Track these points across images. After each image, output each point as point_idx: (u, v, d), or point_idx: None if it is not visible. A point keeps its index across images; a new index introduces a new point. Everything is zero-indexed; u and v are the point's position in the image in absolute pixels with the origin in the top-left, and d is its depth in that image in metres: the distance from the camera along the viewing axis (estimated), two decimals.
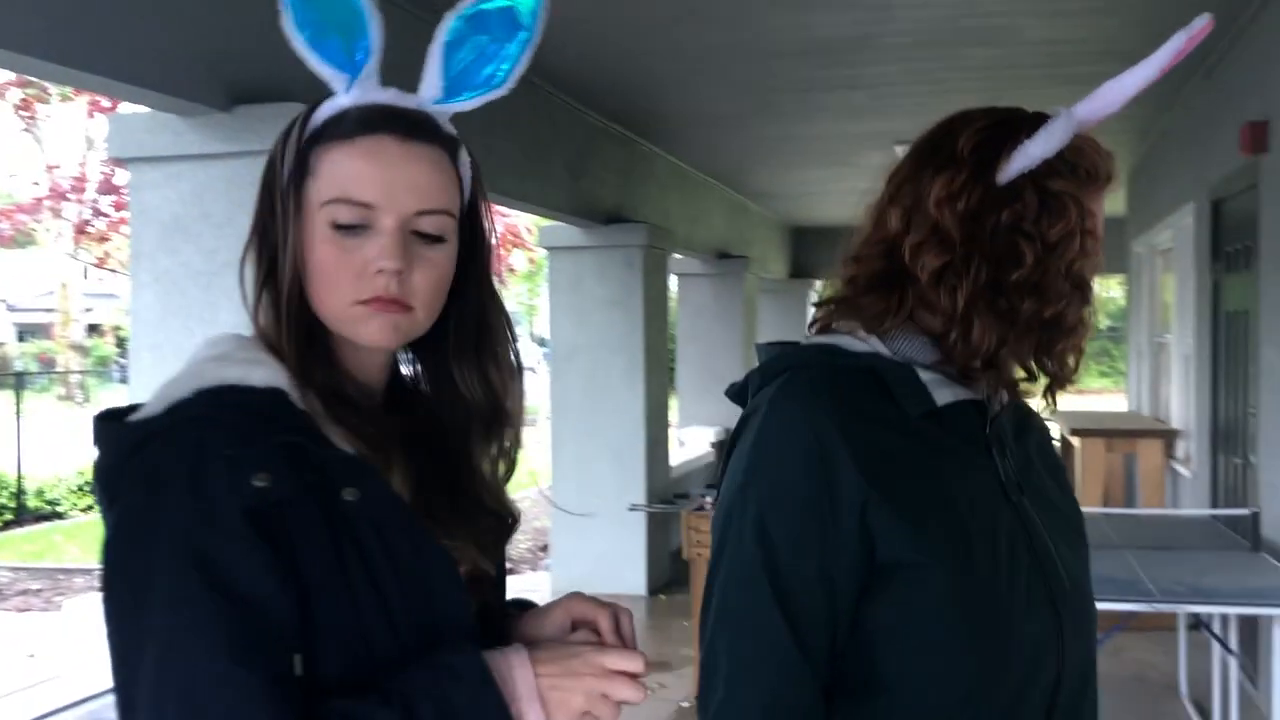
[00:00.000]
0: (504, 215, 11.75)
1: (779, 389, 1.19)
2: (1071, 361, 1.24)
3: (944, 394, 1.20)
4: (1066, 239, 1.17)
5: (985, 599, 1.15)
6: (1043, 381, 1.26)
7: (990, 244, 1.16)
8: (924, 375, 1.20)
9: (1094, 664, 1.27)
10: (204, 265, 3.62)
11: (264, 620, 0.92)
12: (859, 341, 1.23)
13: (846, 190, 10.08)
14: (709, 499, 7.63)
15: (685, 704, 4.99)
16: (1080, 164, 1.20)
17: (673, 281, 10.79)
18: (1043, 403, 1.29)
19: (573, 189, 6.47)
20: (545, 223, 7.25)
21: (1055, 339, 1.20)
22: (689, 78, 5.89)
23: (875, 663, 1.14)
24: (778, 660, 1.13)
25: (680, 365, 10.42)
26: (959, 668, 1.14)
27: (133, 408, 1.03)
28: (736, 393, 1.29)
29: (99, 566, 0.96)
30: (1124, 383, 11.55)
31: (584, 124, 6.56)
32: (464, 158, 1.16)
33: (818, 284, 14.18)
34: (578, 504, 7.15)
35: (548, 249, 7.36)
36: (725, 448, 1.25)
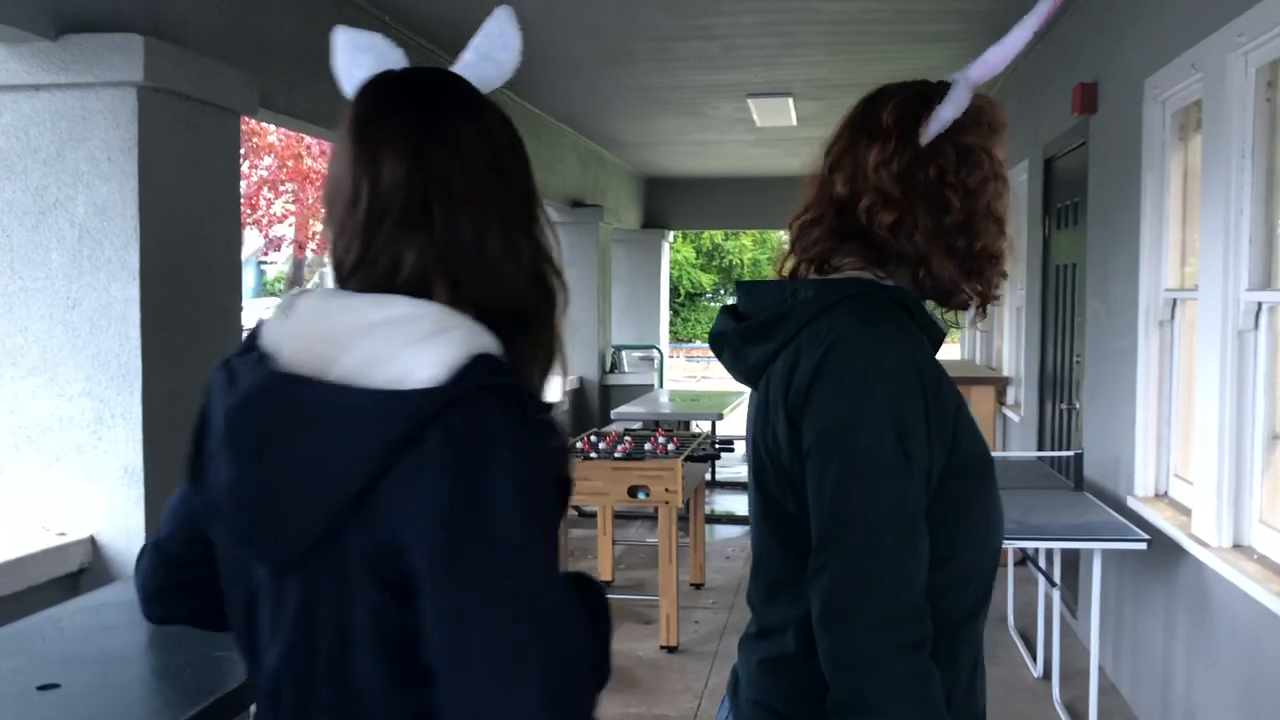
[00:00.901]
0: None
1: (857, 312, 1.34)
2: (999, 284, 1.46)
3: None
4: (983, 184, 1.40)
5: (996, 493, 1.41)
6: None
7: (925, 196, 1.38)
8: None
9: None
10: (31, 204, 3.42)
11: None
12: (883, 277, 1.42)
13: (699, 141, 10.17)
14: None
15: None
16: (983, 119, 1.44)
17: None
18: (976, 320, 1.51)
19: None
20: None
21: (985, 267, 1.42)
22: (544, 21, 5.82)
23: (937, 543, 1.30)
24: (912, 545, 1.26)
25: None
26: (989, 545, 1.39)
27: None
28: (767, 324, 1.42)
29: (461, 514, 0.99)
30: (958, 334, 12.06)
31: (434, 63, 6.41)
32: None
33: (670, 234, 14.30)
34: None
35: None
36: (787, 376, 1.35)
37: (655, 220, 13.59)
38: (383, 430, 0.98)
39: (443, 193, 1.09)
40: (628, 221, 12.60)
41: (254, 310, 29.90)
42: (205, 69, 3.71)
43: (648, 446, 5.35)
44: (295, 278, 27.39)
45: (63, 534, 3.46)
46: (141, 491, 3.44)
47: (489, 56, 1.27)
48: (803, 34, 6.09)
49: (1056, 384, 5.82)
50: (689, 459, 5.10)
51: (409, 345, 1.01)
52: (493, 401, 1.00)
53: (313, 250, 15.88)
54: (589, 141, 10.25)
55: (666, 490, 4.84)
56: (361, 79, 1.18)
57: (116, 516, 3.46)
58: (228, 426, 1.04)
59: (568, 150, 9.64)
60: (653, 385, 10.98)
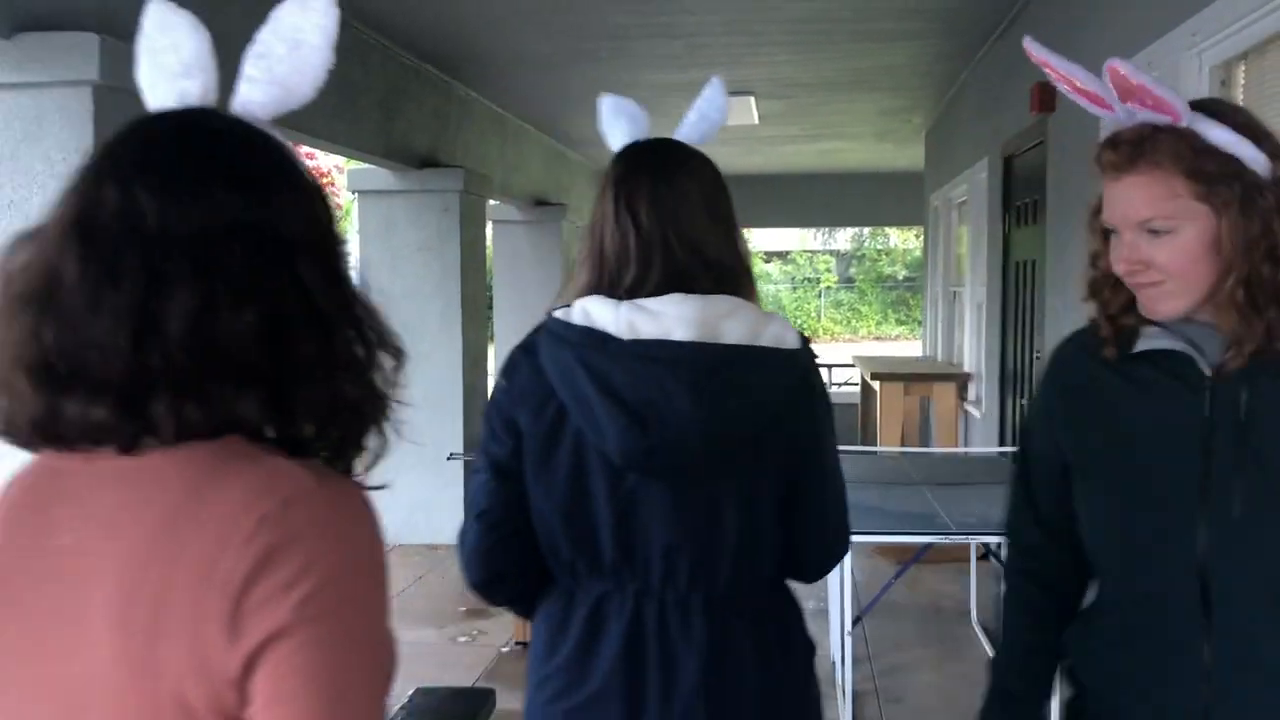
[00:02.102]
0: (310, 157, 11.31)
1: None
2: None
3: (1154, 341, 1.39)
4: None
5: (1123, 513, 1.41)
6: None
7: None
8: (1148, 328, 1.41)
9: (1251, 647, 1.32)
10: None
11: None
12: None
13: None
14: None
15: (505, 649, 5.02)
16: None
17: (489, 229, 10.68)
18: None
19: (386, 131, 6.29)
20: (354, 165, 7.03)
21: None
22: (504, 20, 5.80)
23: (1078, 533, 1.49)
24: (1014, 501, 1.63)
25: (497, 314, 10.35)
26: (1107, 555, 1.45)
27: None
28: None
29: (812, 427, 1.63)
30: (920, 331, 12.17)
31: (397, 64, 6.38)
32: None
33: None
34: (392, 454, 7.03)
35: (357, 192, 7.14)
36: None
37: None
38: (793, 373, 1.56)
39: (709, 223, 1.61)
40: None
41: None
42: None
43: None
44: None
45: None
46: None
47: (706, 117, 1.78)
48: (767, 33, 6.11)
49: (1017, 380, 5.88)
50: None
51: (764, 323, 1.54)
52: (812, 355, 1.62)
53: None
54: (552, 141, 10.23)
55: None
56: (620, 137, 1.74)
57: None
58: (680, 373, 1.48)
59: (532, 149, 9.62)
60: None
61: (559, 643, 1.58)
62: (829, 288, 32.10)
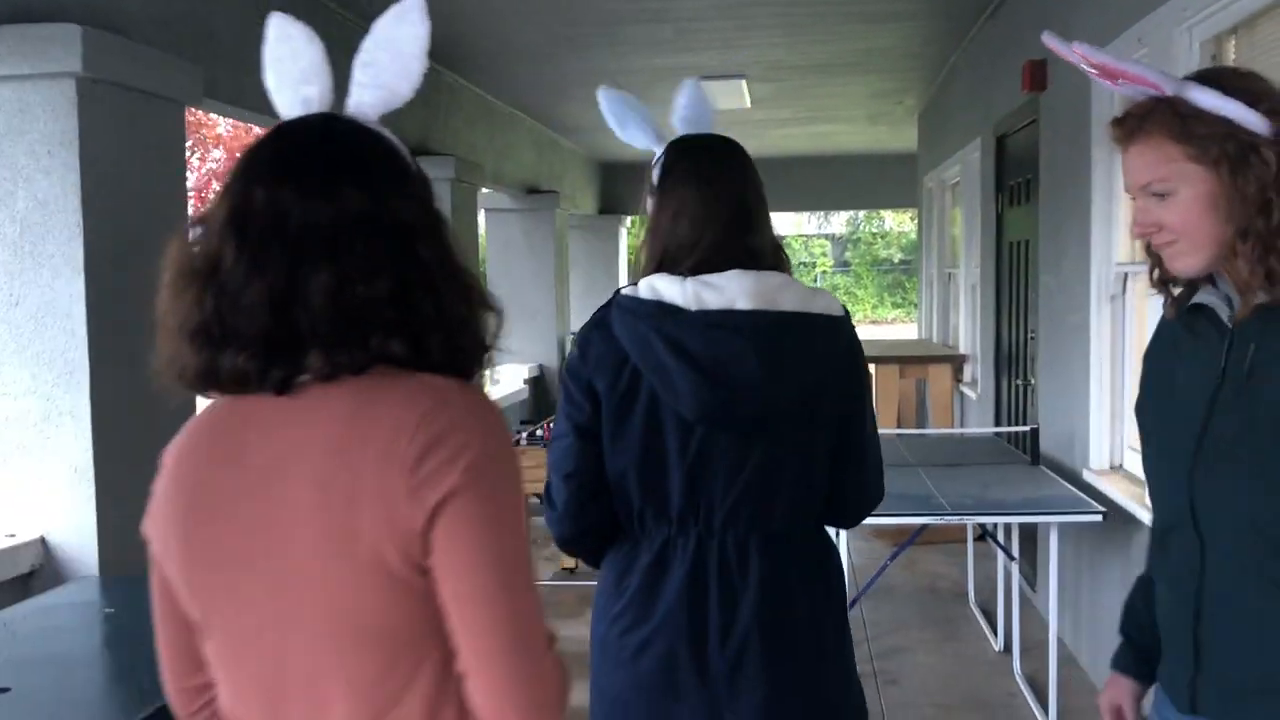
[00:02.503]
0: None
1: None
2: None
3: (1198, 297, 1.49)
4: None
5: (1152, 461, 1.61)
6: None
7: None
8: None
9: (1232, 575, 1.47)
10: None
11: None
12: None
13: None
14: (523, 435, 7.62)
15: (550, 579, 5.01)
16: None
17: (481, 218, 10.65)
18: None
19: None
20: None
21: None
22: (492, 6, 5.76)
23: None
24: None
25: None
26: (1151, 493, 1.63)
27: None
28: None
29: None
30: (915, 313, 12.15)
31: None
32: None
33: (627, 220, 14.27)
34: None
35: None
36: None
37: (612, 206, 13.56)
38: (841, 337, 1.80)
39: (754, 208, 1.85)
40: (584, 207, 12.56)
41: None
42: (146, 58, 3.64)
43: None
44: None
45: (12, 535, 3.39)
46: (92, 490, 3.37)
47: (687, 120, 1.98)
48: (757, 16, 6.08)
49: (1012, 360, 5.87)
50: None
51: (814, 295, 1.79)
52: (853, 324, 1.86)
53: None
54: (543, 128, 10.19)
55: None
56: (635, 131, 2.06)
57: (67, 516, 3.39)
58: (747, 338, 1.71)
59: (522, 137, 9.58)
60: None
61: (626, 583, 1.79)
62: (824, 272, 32.07)
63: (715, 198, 1.80)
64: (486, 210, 10.36)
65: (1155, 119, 1.41)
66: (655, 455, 1.76)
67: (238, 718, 1.16)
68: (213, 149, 9.60)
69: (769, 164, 13.39)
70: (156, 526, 1.19)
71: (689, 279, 1.76)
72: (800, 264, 32.25)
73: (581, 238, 13.60)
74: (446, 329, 1.12)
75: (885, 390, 7.32)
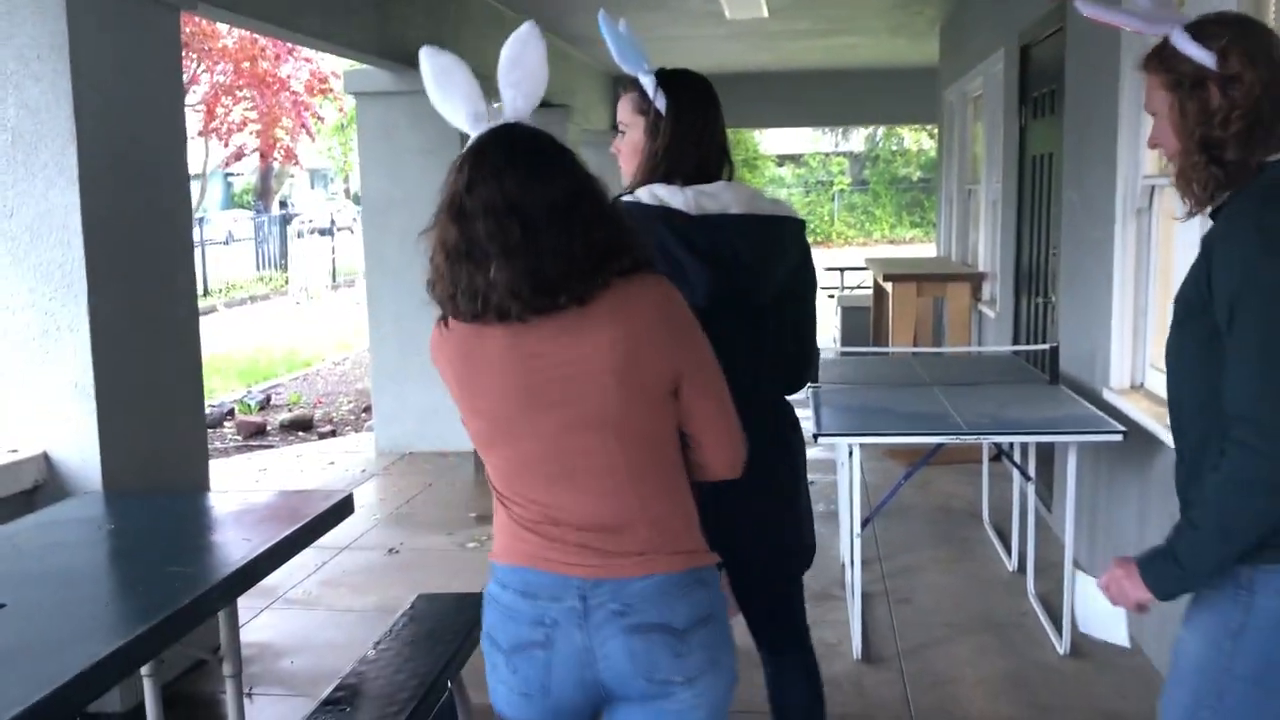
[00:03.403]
0: (308, 61, 11.06)
1: (1262, 202, 1.63)
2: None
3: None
4: None
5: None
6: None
7: None
8: None
9: None
10: None
11: None
12: None
13: (667, 37, 9.90)
14: None
15: None
16: None
17: None
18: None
19: (381, 29, 6.09)
20: (353, 66, 6.83)
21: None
22: None
23: None
24: None
25: None
26: None
27: None
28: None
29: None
30: (934, 233, 11.97)
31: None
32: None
33: None
34: (398, 364, 6.98)
35: (355, 94, 6.95)
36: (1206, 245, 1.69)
37: None
38: (803, 233, 2.24)
39: (711, 137, 2.27)
40: (596, 122, 12.33)
41: (224, 220, 28.75)
42: None
43: None
44: (264, 188, 26.85)
45: (14, 451, 3.36)
46: (93, 406, 3.33)
47: (622, 52, 2.32)
48: None
49: (1032, 278, 5.75)
50: None
51: (777, 202, 2.24)
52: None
53: (278, 160, 15.47)
54: (554, 38, 9.95)
55: None
56: (631, 57, 2.29)
57: (69, 432, 3.36)
58: (742, 236, 2.13)
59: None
60: None
61: None
62: (842, 190, 31.68)
63: (705, 126, 2.23)
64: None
65: (1150, 57, 1.75)
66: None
67: (533, 490, 1.74)
68: (219, 61, 9.39)
69: (786, 77, 13.06)
70: (480, 386, 1.71)
71: (688, 188, 2.14)
72: (817, 181, 31.88)
73: (593, 153, 13.38)
74: (624, 246, 1.68)
75: (901, 308, 7.21)
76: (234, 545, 2.49)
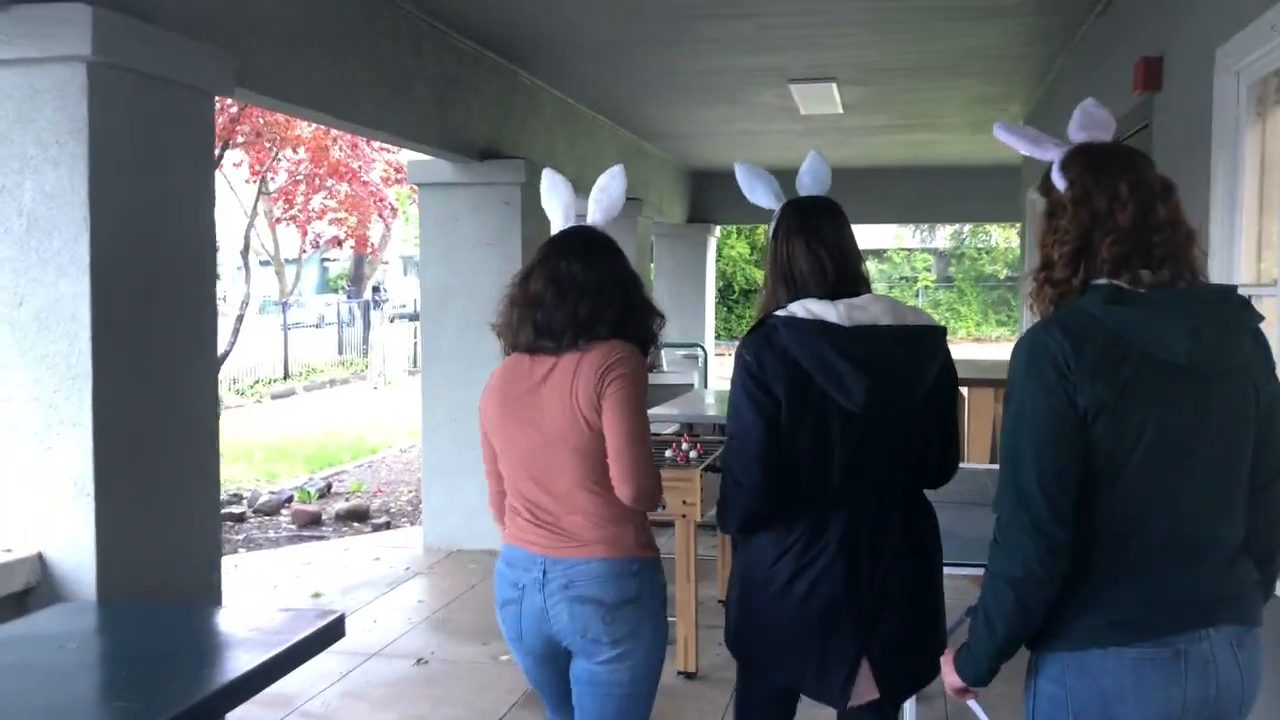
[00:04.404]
0: (389, 151, 11.15)
1: (1048, 323, 1.82)
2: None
3: None
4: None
5: None
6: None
7: None
8: None
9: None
10: None
11: None
12: None
13: (742, 131, 9.77)
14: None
15: None
16: None
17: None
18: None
19: (441, 120, 6.02)
20: (418, 157, 6.78)
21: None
22: (564, 1, 5.47)
23: None
24: None
25: None
26: None
27: None
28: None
29: None
30: (1018, 331, 11.51)
31: (452, 49, 6.10)
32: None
33: (716, 229, 13.90)
34: (451, 457, 6.78)
35: (418, 185, 6.90)
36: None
37: (700, 215, 13.20)
38: (944, 344, 2.36)
39: (845, 253, 2.43)
40: (671, 216, 12.22)
41: (317, 304, 29.30)
42: (166, 43, 3.41)
43: (668, 454, 4.97)
44: (357, 274, 27.36)
45: (8, 550, 3.18)
46: (92, 505, 3.15)
47: (819, 179, 2.60)
48: (842, 11, 5.68)
49: None
50: (710, 469, 4.71)
51: (919, 312, 2.37)
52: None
53: (354, 247, 15.62)
54: (628, 134, 9.89)
55: (684, 502, 4.47)
56: (762, 194, 2.56)
57: (66, 532, 3.17)
58: (895, 345, 2.26)
59: (605, 143, 9.29)
60: (693, 385, 10.58)
61: (787, 543, 2.29)
62: (927, 287, 31.19)
63: (838, 242, 2.39)
64: None
65: (1041, 180, 1.97)
66: (823, 443, 2.25)
67: (520, 485, 2.42)
68: (297, 149, 9.50)
69: (864, 174, 12.87)
70: (488, 406, 2.47)
71: (839, 302, 2.27)
72: (902, 278, 31.44)
73: (669, 247, 13.27)
74: (638, 325, 2.44)
75: (979, 415, 6.82)
76: (197, 677, 2.24)
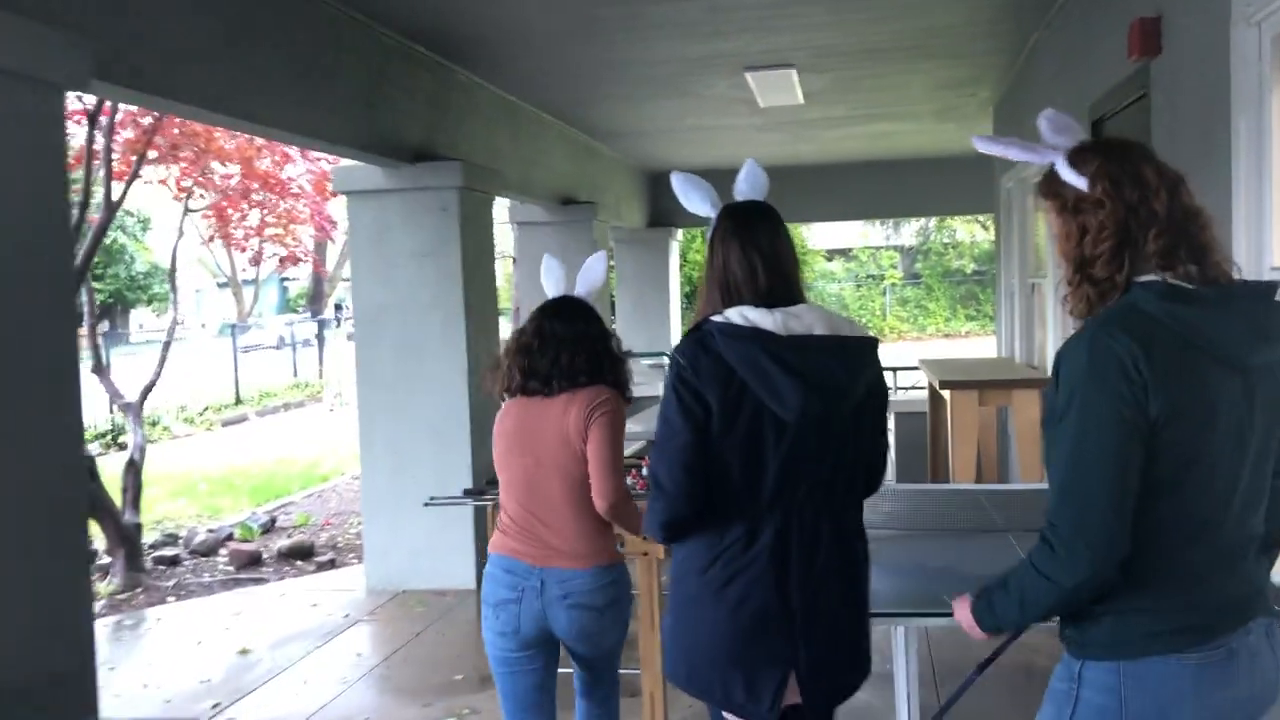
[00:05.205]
0: (317, 161, 10.52)
1: (1102, 323, 1.79)
2: None
3: None
4: None
5: None
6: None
7: None
8: None
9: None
10: None
11: None
12: None
13: (698, 127, 9.27)
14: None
15: None
16: None
17: (514, 233, 9.86)
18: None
19: (367, 121, 5.47)
20: (346, 163, 6.22)
21: None
22: None
23: None
24: None
25: (517, 324, 9.51)
26: None
27: None
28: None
29: None
30: (990, 325, 11.08)
31: (378, 44, 5.55)
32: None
33: (678, 233, 13.40)
34: (391, 491, 6.22)
35: (345, 194, 6.33)
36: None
37: (661, 218, 12.70)
38: (876, 349, 2.36)
39: (781, 260, 2.45)
40: (630, 220, 11.71)
41: (276, 324, 28.77)
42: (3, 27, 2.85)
43: (628, 480, 4.42)
44: (316, 292, 26.67)
45: None
46: None
47: (755, 186, 2.53)
48: None
49: None
50: None
51: (853, 322, 2.38)
52: None
53: (316, 266, 14.94)
54: (578, 133, 9.36)
55: (645, 538, 3.93)
56: (698, 203, 2.54)
57: None
58: (829, 356, 2.26)
59: (552, 143, 8.76)
60: (659, 396, 10.04)
61: (716, 552, 2.27)
62: (894, 284, 30.86)
63: (774, 249, 2.37)
64: (519, 224, 9.58)
65: (1041, 183, 1.87)
66: (756, 451, 2.22)
67: (514, 504, 2.97)
68: (223, 163, 8.86)
69: (826, 170, 12.32)
70: (496, 446, 3.01)
71: (776, 310, 2.26)
72: (868, 276, 31.10)
73: (629, 252, 12.76)
74: (613, 371, 2.98)
75: (962, 421, 6.34)
76: None
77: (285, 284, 37.99)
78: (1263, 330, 1.73)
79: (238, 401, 18.27)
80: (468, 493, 4.87)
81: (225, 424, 16.54)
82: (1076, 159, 1.79)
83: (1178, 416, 1.67)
